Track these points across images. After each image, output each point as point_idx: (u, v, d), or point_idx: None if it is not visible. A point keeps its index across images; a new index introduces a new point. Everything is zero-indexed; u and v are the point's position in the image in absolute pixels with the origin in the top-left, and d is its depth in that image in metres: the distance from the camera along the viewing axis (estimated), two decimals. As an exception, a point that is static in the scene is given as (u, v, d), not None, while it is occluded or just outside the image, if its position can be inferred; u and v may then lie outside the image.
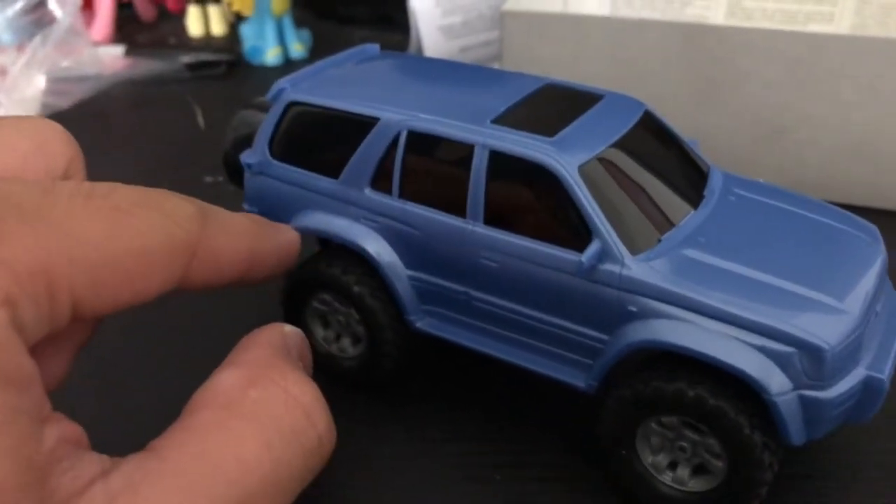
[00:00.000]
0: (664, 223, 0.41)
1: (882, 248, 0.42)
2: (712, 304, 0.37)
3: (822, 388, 0.37)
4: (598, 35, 0.66)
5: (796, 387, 0.37)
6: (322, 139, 0.47)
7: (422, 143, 0.44)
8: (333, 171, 0.46)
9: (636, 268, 0.39)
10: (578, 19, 0.66)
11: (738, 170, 0.65)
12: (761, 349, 0.37)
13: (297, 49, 0.99)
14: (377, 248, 0.45)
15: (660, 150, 0.45)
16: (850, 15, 0.68)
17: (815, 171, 0.65)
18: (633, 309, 0.39)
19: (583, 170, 0.40)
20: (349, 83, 0.49)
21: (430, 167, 0.44)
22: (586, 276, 0.40)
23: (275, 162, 0.48)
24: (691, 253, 0.40)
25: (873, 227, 0.44)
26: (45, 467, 0.28)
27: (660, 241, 0.40)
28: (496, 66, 0.75)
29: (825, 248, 0.41)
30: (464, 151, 0.42)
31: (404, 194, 0.44)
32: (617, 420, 0.40)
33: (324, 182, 0.47)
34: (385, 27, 1.00)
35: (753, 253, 0.40)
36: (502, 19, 0.67)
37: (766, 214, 0.43)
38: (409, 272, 0.45)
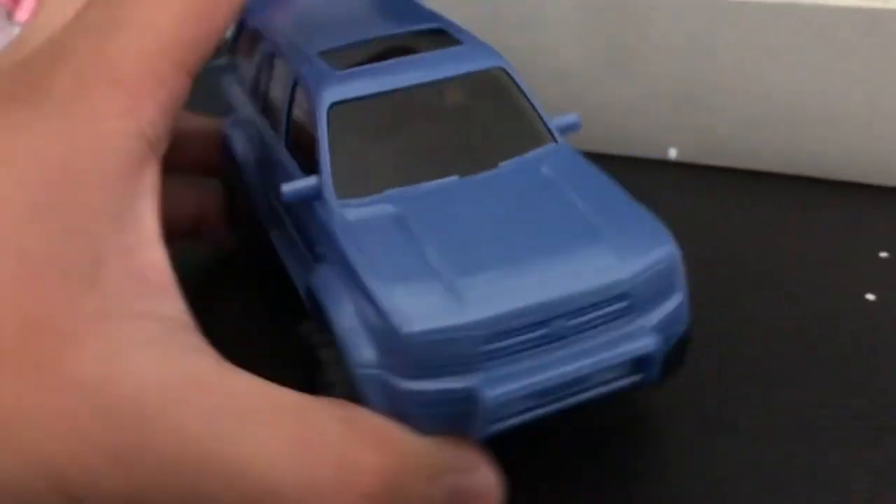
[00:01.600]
0: (400, 179, 0.39)
1: (628, 269, 0.35)
2: (351, 262, 0.36)
3: (404, 376, 0.34)
4: (509, 2, 0.66)
5: (381, 366, 0.34)
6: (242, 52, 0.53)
7: (274, 63, 0.47)
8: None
9: (334, 211, 0.39)
10: None
11: (652, 140, 0.68)
12: (361, 315, 0.35)
13: None
14: (241, 145, 0.50)
15: (479, 112, 0.42)
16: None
17: (725, 138, 0.65)
18: (320, 251, 0.39)
19: (335, 108, 0.40)
20: (281, 7, 0.53)
21: (274, 84, 0.47)
22: (297, 208, 0.41)
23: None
24: (393, 212, 0.38)
25: (653, 246, 0.36)
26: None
27: (380, 194, 0.39)
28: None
29: (545, 245, 0.36)
30: (288, 75, 0.45)
31: (261, 107, 0.49)
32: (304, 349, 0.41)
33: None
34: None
35: (456, 231, 0.37)
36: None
37: (533, 200, 0.38)
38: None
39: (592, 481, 0.40)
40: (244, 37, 0.54)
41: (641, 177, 0.68)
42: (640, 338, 0.35)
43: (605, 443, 0.42)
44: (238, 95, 0.53)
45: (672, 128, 0.67)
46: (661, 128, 0.67)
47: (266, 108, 0.48)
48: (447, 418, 0.34)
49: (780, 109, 0.63)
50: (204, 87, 0.52)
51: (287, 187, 0.40)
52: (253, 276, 0.54)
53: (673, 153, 0.69)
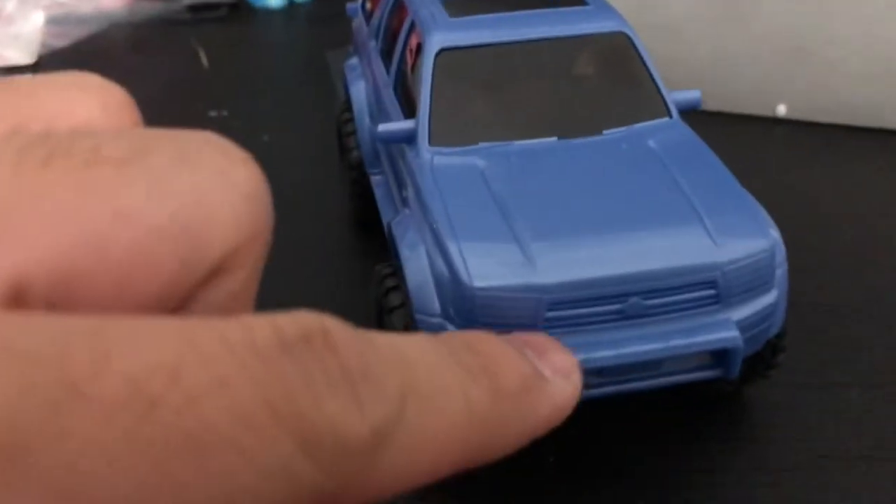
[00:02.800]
0: (496, 133, 0.38)
1: (721, 254, 0.32)
2: (430, 209, 0.35)
3: (463, 329, 0.32)
4: None
5: (444, 314, 0.33)
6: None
7: (401, 4, 0.47)
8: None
9: (423, 157, 0.38)
10: None
11: (762, 94, 0.64)
12: (432, 263, 0.34)
13: None
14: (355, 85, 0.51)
15: (593, 76, 0.40)
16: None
17: (840, 93, 0.61)
18: (405, 194, 0.39)
19: (443, 54, 0.40)
20: None
21: (394, 19, 0.47)
22: (392, 150, 0.40)
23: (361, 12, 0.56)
24: (482, 166, 0.37)
25: (757, 240, 0.33)
26: None
27: (473, 146, 0.38)
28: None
29: (634, 218, 0.33)
30: (408, 18, 0.44)
31: (381, 48, 0.48)
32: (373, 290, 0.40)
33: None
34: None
35: (543, 193, 0.35)
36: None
37: (631, 172, 0.36)
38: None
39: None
40: None
41: (747, 135, 0.64)
42: (722, 331, 0.32)
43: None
44: (364, 36, 0.53)
45: (782, 82, 0.63)
46: (769, 82, 0.63)
47: (385, 49, 0.48)
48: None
49: None
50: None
51: (383, 127, 0.39)
52: (351, 213, 0.54)
53: (782, 109, 0.64)
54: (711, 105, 0.66)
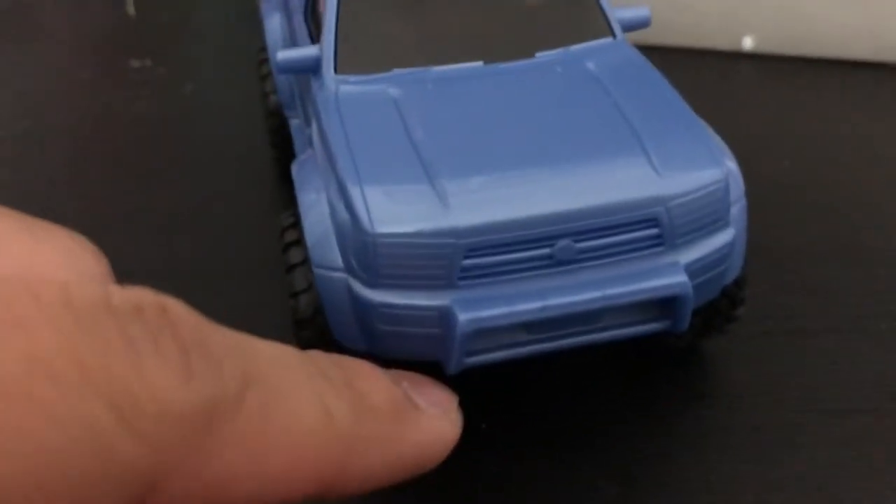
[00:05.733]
0: (413, 59, 0.33)
1: (666, 186, 0.28)
2: (331, 146, 0.30)
3: (370, 284, 0.28)
4: None
5: (346, 268, 0.29)
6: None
7: None
8: None
9: (328, 87, 0.33)
10: None
11: (731, 24, 0.60)
12: (332, 209, 0.29)
13: None
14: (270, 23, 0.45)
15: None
16: None
17: (811, 21, 0.57)
18: (309, 133, 0.34)
19: (351, -29, 0.34)
20: None
21: None
22: (301, 85, 0.35)
23: None
24: (396, 95, 0.32)
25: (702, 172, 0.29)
26: None
27: (386, 73, 0.33)
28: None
29: (568, 149, 0.29)
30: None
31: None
32: None
33: None
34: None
35: (463, 124, 0.30)
36: None
37: (566, 98, 0.31)
38: None
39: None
40: None
41: (710, 71, 0.59)
42: (668, 276, 0.28)
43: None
44: None
45: (755, 10, 0.58)
46: (744, 10, 0.59)
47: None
48: (415, 340, 0.28)
49: None
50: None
51: (282, 54, 0.34)
52: (277, 167, 0.49)
53: (748, 42, 0.60)
54: (671, 39, 0.61)
